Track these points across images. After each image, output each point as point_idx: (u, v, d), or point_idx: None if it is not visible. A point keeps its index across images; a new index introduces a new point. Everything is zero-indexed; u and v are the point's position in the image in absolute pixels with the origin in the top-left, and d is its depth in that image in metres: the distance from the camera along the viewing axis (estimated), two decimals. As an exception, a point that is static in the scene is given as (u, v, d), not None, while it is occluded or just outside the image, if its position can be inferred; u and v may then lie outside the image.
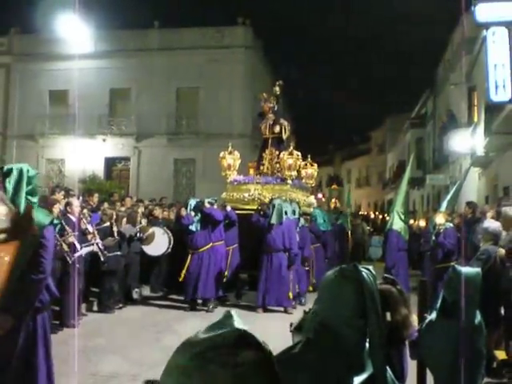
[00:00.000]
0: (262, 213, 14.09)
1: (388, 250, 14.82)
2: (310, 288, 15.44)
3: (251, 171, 17.30)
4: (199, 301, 13.71)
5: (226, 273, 14.11)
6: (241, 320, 1.62)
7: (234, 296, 14.69)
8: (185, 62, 33.52)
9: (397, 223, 14.81)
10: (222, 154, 16.36)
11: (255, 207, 14.77)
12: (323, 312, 2.40)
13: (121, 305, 13.37)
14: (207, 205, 13.67)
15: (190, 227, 13.53)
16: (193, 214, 13.68)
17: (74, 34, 28.22)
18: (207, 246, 13.55)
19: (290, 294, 13.45)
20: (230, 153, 16.29)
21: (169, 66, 33.67)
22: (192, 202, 14.00)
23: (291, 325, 2.78)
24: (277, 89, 17.49)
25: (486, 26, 15.14)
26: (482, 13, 14.85)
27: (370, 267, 2.48)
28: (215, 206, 14.08)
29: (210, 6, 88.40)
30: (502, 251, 8.29)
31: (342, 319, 2.35)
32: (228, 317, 1.66)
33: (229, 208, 14.62)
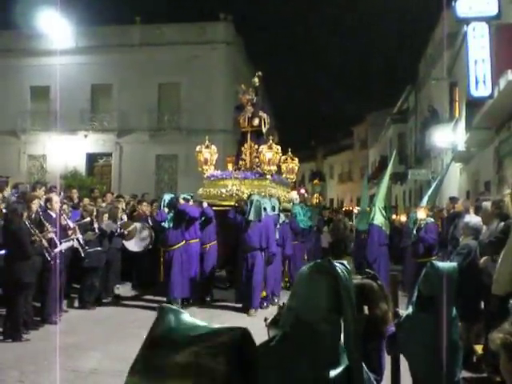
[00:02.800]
0: (239, 209, 13.47)
1: (369, 244, 14.85)
2: (283, 285, 15.20)
3: (229, 166, 16.66)
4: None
5: (205, 271, 13.78)
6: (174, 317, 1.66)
7: (209, 295, 14.06)
8: (166, 57, 33.41)
9: (378, 218, 14.85)
10: (198, 148, 15.94)
11: (233, 203, 14.14)
12: (298, 307, 2.41)
13: (102, 301, 13.34)
14: (182, 201, 13.24)
15: (163, 224, 13.07)
16: (166, 210, 13.17)
17: (56, 29, 28.11)
18: (179, 244, 13.05)
19: (264, 293, 13.16)
20: (207, 147, 15.86)
21: (150, 62, 33.54)
22: (166, 198, 13.51)
23: (266, 319, 2.78)
24: (256, 80, 16.69)
25: (467, 21, 15.20)
26: (462, 8, 14.91)
27: (345, 262, 2.48)
28: (191, 202, 13.67)
29: (191, 1, 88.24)
30: (485, 261, 8.32)
31: (318, 314, 2.35)
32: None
33: (205, 204, 14.06)
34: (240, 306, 12.93)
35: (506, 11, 15.07)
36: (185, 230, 13.23)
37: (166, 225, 13.04)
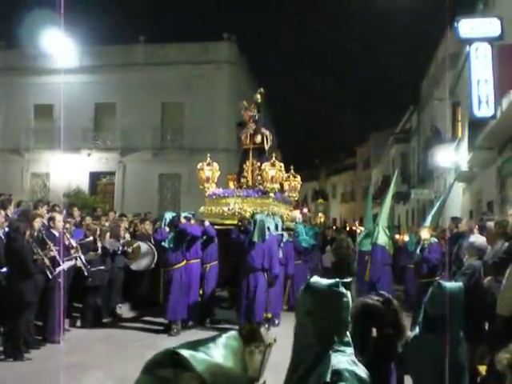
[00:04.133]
0: (242, 228, 13.16)
1: (373, 264, 14.81)
2: (285, 307, 14.83)
3: (231, 184, 16.37)
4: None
5: (205, 292, 13.49)
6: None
7: (209, 317, 13.66)
8: (170, 77, 33.54)
9: (381, 238, 14.82)
10: (199, 166, 15.54)
11: (235, 222, 13.75)
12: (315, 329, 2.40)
13: (104, 320, 13.28)
14: (183, 220, 12.89)
15: (163, 243, 12.77)
16: (167, 229, 12.91)
17: (60, 48, 28.21)
18: (180, 264, 12.72)
19: (269, 315, 12.81)
20: (209, 164, 15.46)
21: (154, 81, 33.66)
22: (167, 216, 13.23)
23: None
24: (258, 96, 16.44)
25: (469, 41, 15.22)
26: (464, 29, 14.93)
27: (349, 279, 2.48)
28: (192, 221, 13.28)
29: (195, 21, 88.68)
30: (489, 281, 8.28)
31: (315, 334, 2.35)
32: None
33: (207, 223, 13.72)
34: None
35: (508, 32, 15.10)
36: (185, 250, 12.88)
37: (165, 244, 12.74)
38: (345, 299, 2.49)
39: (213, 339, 1.96)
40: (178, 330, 12.34)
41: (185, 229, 12.72)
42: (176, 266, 12.66)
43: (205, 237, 13.57)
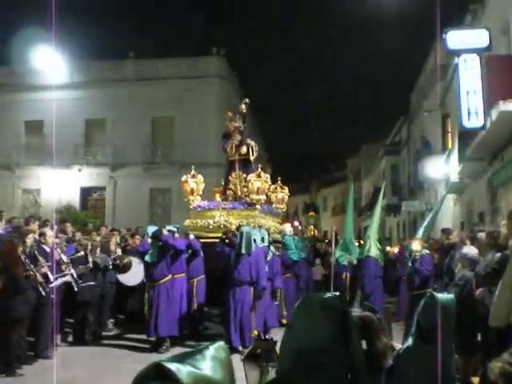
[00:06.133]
0: (227, 241, 12.60)
1: (366, 277, 14.80)
2: (284, 321, 14.41)
3: (217, 196, 15.83)
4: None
5: (193, 307, 13.04)
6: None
7: (199, 332, 13.28)
8: (160, 91, 33.62)
9: (373, 250, 14.85)
10: (183, 178, 15.21)
11: (221, 235, 13.06)
12: (301, 342, 2.39)
13: (96, 335, 13.22)
14: (165, 232, 12.47)
15: (146, 257, 12.38)
16: (149, 240, 12.49)
17: (50, 64, 28.28)
18: (165, 279, 12.22)
19: (255, 332, 11.88)
20: (193, 176, 15.09)
21: (144, 96, 33.72)
22: (150, 229, 12.76)
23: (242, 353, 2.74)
24: (243, 106, 15.97)
25: (457, 53, 15.30)
26: (452, 40, 15.02)
27: (341, 295, 2.48)
28: (176, 235, 12.84)
29: (184, 36, 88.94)
30: (481, 292, 8.30)
31: (322, 348, 2.34)
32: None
33: (192, 236, 13.36)
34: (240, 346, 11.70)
35: (496, 43, 15.22)
36: (170, 264, 12.40)
37: (147, 258, 12.34)
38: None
39: (200, 351, 1.95)
40: (167, 346, 12.00)
41: (167, 241, 12.26)
42: (161, 281, 12.20)
43: (190, 251, 13.20)
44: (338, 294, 2.45)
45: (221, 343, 2.06)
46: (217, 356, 1.94)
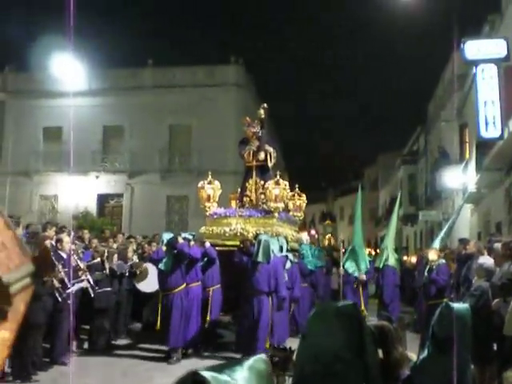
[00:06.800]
0: (244, 249, 12.40)
1: (385, 286, 14.72)
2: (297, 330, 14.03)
3: (233, 203, 15.66)
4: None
5: (207, 317, 12.68)
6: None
7: (213, 344, 12.85)
8: (178, 99, 33.71)
9: (391, 259, 14.79)
10: (200, 184, 14.84)
11: (237, 243, 12.87)
12: (316, 349, 2.40)
13: (112, 342, 13.23)
14: (180, 240, 12.19)
15: (160, 265, 12.13)
16: (164, 248, 12.22)
17: (68, 71, 28.45)
18: (180, 288, 11.95)
19: (268, 345, 11.52)
20: (210, 182, 14.72)
21: (162, 104, 33.82)
22: (166, 237, 12.51)
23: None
24: (261, 112, 15.69)
25: (475, 63, 15.29)
26: (470, 50, 15.02)
27: (357, 303, 2.49)
28: (192, 243, 12.51)
29: (202, 44, 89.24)
30: (497, 303, 8.27)
31: (338, 356, 2.34)
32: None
33: (208, 244, 13.05)
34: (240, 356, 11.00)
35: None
36: (185, 273, 12.15)
37: (161, 266, 12.08)
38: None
39: (240, 362, 1.96)
40: (178, 358, 11.70)
41: (182, 249, 12.03)
42: (176, 290, 11.94)
43: (206, 259, 12.97)
44: (351, 302, 2.46)
45: (262, 355, 2.07)
46: (255, 367, 1.95)
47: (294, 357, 2.51)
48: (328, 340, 2.41)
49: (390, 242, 15.32)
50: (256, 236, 12.76)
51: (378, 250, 18.14)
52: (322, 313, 2.52)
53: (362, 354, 2.38)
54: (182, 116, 34.04)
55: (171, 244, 12.18)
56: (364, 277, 14.89)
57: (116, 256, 13.52)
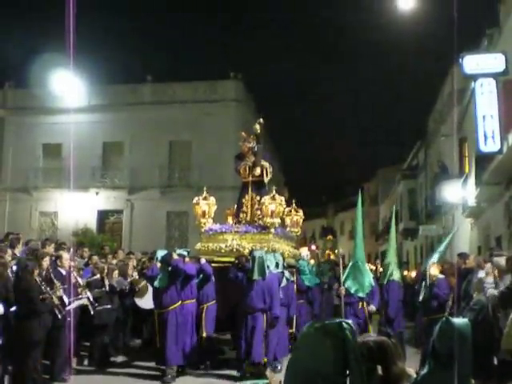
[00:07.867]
0: (239, 266, 12.26)
1: (391, 301, 14.60)
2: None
3: (229, 219, 15.31)
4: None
5: (201, 334, 12.46)
6: None
7: (210, 362, 12.54)
8: (177, 115, 33.79)
9: (396, 274, 14.72)
10: (195, 200, 14.71)
11: (233, 259, 12.79)
12: (302, 363, 2.41)
13: (112, 359, 13.18)
14: (175, 256, 12.03)
15: (155, 283, 11.91)
16: (159, 265, 12.05)
17: (68, 88, 28.51)
18: (174, 305, 11.74)
19: (265, 359, 11.59)
20: (205, 198, 14.57)
21: (161, 120, 33.91)
22: (160, 254, 12.28)
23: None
24: (257, 127, 15.76)
25: (474, 77, 15.33)
26: (469, 64, 15.06)
27: (350, 321, 2.49)
28: (187, 259, 12.45)
29: (201, 60, 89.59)
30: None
31: (323, 376, 2.35)
32: None
33: (203, 260, 12.87)
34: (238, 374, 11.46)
35: (513, 67, 15.20)
36: (180, 289, 11.92)
37: (156, 283, 11.89)
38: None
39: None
40: (172, 376, 11.42)
41: (176, 265, 11.84)
42: (171, 308, 11.73)
43: (201, 275, 12.70)
44: (340, 320, 2.46)
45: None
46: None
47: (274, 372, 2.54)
48: (313, 357, 2.42)
49: (392, 258, 15.25)
50: (251, 252, 12.50)
51: (378, 266, 17.94)
52: (310, 330, 2.52)
53: (344, 372, 2.39)
54: (181, 132, 34.11)
55: (166, 260, 12.01)
56: (374, 308, 14.31)
57: (116, 272, 13.51)
